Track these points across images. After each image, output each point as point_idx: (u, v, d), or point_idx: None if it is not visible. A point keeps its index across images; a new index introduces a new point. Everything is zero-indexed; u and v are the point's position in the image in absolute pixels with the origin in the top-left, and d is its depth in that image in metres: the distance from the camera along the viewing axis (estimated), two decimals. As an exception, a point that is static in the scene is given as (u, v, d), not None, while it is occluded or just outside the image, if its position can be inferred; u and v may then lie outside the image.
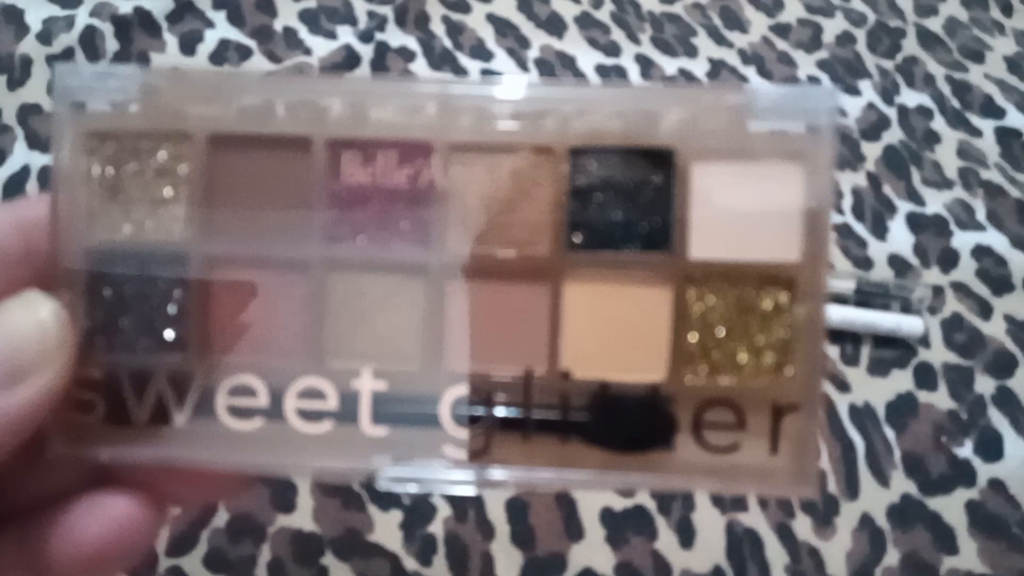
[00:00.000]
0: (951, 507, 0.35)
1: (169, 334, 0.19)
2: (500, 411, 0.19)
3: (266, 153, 0.19)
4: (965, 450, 0.37)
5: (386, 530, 0.33)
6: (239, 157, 0.19)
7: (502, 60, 0.46)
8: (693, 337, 0.19)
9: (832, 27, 0.50)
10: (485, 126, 0.19)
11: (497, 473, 0.19)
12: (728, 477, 0.19)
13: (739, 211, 0.18)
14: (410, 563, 0.33)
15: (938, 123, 0.46)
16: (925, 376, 0.38)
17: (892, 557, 0.34)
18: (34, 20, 0.43)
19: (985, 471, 0.36)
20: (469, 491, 0.19)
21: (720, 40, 0.49)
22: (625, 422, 0.19)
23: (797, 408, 0.19)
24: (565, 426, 0.19)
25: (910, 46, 0.50)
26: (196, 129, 0.19)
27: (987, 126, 0.47)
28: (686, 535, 0.34)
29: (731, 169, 0.19)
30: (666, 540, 0.34)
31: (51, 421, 0.19)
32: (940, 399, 0.38)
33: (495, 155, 0.19)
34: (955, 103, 0.47)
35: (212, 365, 0.19)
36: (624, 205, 0.19)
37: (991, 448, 0.37)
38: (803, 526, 0.35)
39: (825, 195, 0.18)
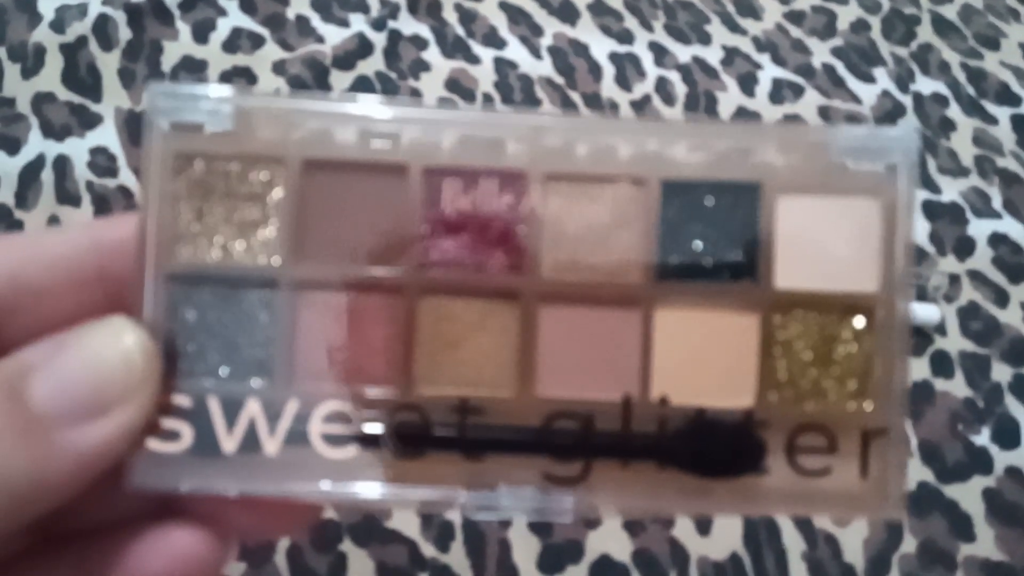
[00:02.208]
0: (968, 495, 0.35)
1: (255, 360, 0.19)
2: (598, 438, 0.19)
3: (360, 179, 0.19)
4: (982, 438, 0.37)
5: (404, 517, 0.33)
6: (332, 182, 0.19)
7: (515, 48, 0.46)
8: (779, 363, 0.19)
9: (846, 14, 0.50)
10: (580, 157, 0.19)
11: (596, 500, 0.19)
12: (819, 502, 0.19)
13: (822, 243, 0.19)
14: (428, 549, 0.33)
15: (953, 111, 0.46)
16: (941, 364, 0.38)
17: (909, 544, 0.34)
18: (47, 8, 0.42)
19: (1002, 459, 0.36)
20: (567, 519, 0.19)
21: (734, 27, 0.48)
22: (720, 448, 0.19)
23: (886, 433, 0.19)
24: (664, 452, 0.19)
25: (925, 33, 0.49)
26: (289, 153, 0.19)
27: (1003, 113, 0.46)
28: (703, 522, 0.34)
29: (815, 203, 0.19)
30: (683, 527, 0.34)
31: (130, 451, 0.18)
32: (956, 387, 0.38)
33: (590, 185, 0.19)
34: (970, 90, 0.47)
35: (304, 392, 0.19)
36: (713, 236, 0.19)
37: (1008, 436, 0.37)
38: (820, 513, 0.35)
39: (903, 228, 0.19)
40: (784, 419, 0.19)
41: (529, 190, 0.19)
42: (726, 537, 0.34)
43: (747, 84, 0.46)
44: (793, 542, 0.34)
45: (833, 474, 0.19)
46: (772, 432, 0.19)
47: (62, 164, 0.39)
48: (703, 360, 0.19)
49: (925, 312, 0.39)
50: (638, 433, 0.19)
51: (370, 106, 0.19)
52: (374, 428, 0.19)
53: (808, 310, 0.19)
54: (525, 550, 0.33)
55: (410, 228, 0.19)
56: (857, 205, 0.19)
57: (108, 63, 0.42)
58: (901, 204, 0.19)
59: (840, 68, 0.47)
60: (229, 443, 0.18)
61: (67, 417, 0.16)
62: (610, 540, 0.34)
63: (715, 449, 0.19)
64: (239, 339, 0.19)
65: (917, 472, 0.36)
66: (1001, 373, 0.38)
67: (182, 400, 0.19)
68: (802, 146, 0.19)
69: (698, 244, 0.19)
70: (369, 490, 0.19)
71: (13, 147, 0.39)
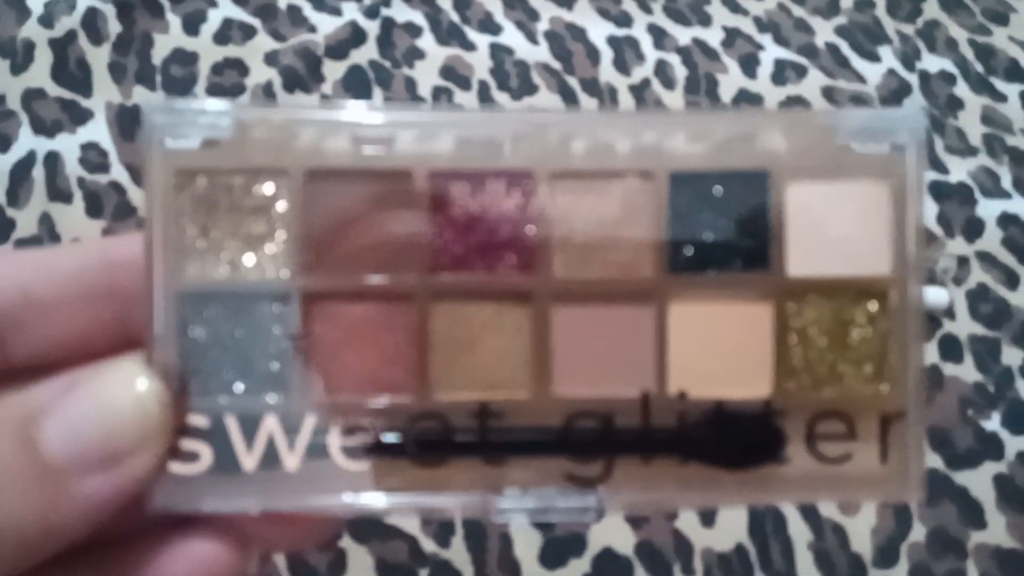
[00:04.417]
0: (978, 481, 0.35)
1: (270, 375, 0.19)
2: (618, 435, 0.19)
3: (365, 185, 0.19)
4: (992, 423, 0.36)
5: (403, 513, 0.33)
6: (337, 191, 0.19)
7: (511, 33, 0.45)
8: (795, 351, 0.19)
9: (850, -8, 0.49)
10: (584, 153, 0.19)
11: (619, 498, 0.19)
12: (840, 487, 0.19)
13: (832, 228, 0.19)
14: (428, 545, 0.32)
15: (961, 89, 0.45)
16: (950, 348, 0.38)
17: (918, 533, 0.34)
18: (35, 3, 0.42)
19: (1013, 444, 0.35)
20: (591, 518, 0.19)
21: (735, 8, 0.47)
22: (740, 439, 0.19)
23: (904, 415, 0.19)
24: (685, 446, 0.19)
25: (931, 10, 0.48)
26: (292, 164, 0.19)
27: (1012, 91, 0.45)
28: (707, 514, 0.34)
29: (823, 188, 0.19)
30: (687, 518, 0.33)
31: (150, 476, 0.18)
32: (966, 371, 0.37)
33: (597, 181, 0.19)
34: (979, 68, 0.46)
35: (320, 405, 0.19)
36: (723, 226, 0.19)
37: (1019, 420, 0.36)
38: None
39: (913, 209, 0.19)
40: (802, 406, 0.19)
41: (536, 189, 0.19)
42: (731, 528, 0.33)
43: (749, 66, 0.45)
44: (799, 532, 0.33)
45: (853, 460, 0.19)
46: (791, 420, 0.19)
47: (53, 161, 0.38)
48: (719, 352, 0.19)
49: (934, 295, 0.38)
50: (658, 428, 0.19)
51: (369, 112, 0.19)
52: (393, 437, 0.19)
53: (821, 296, 0.19)
54: (527, 544, 0.33)
55: (418, 233, 0.19)
56: (865, 188, 0.19)
57: (98, 57, 0.41)
58: (910, 185, 0.19)
59: (844, 47, 0.46)
60: (249, 460, 0.18)
61: (78, 466, 0.16)
62: (613, 533, 0.33)
63: (736, 440, 0.19)
64: (253, 354, 0.19)
65: (926, 458, 0.35)
66: (1012, 357, 0.37)
67: (199, 420, 0.18)
68: (807, 131, 0.19)
69: (709, 235, 0.19)
70: (392, 500, 0.19)
71: (4, 144, 0.39)
